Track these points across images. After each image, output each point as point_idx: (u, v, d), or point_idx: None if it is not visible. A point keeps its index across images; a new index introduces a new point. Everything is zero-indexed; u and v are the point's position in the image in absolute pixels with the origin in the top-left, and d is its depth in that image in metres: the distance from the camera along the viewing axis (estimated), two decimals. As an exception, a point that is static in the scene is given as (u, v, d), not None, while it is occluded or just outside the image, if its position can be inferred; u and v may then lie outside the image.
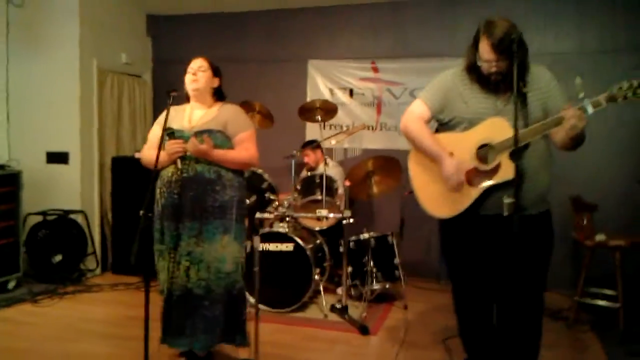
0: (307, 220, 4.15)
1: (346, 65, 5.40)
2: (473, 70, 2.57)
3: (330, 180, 4.19)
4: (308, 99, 5.32)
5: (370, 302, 4.24)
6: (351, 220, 4.04)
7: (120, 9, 5.53)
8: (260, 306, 4.07)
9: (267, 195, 4.26)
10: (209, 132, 3.00)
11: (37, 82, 4.98)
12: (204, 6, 5.62)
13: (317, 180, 4.12)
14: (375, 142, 5.37)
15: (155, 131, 3.06)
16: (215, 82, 3.17)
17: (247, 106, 4.46)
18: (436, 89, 2.68)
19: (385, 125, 5.35)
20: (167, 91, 2.93)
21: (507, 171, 2.47)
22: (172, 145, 2.94)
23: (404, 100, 5.21)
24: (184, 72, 3.15)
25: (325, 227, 4.20)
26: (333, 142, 4.46)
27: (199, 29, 5.86)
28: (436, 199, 2.67)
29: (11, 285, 4.55)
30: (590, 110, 2.36)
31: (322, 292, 4.17)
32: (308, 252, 4.05)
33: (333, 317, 4.03)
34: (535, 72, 2.57)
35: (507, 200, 2.43)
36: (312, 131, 5.32)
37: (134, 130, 5.67)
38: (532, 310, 2.71)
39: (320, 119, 4.25)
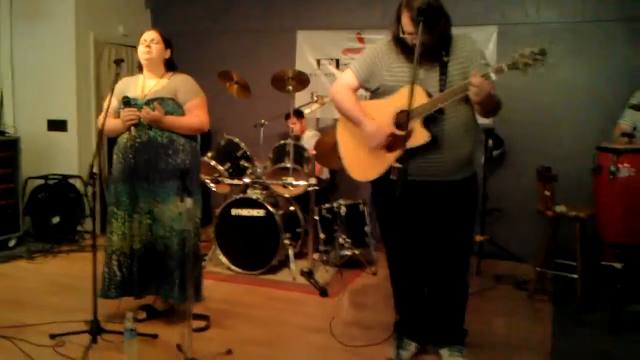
0: (276, 187, 4.30)
1: (333, 35, 5.48)
2: (398, 42, 2.66)
3: (300, 149, 4.33)
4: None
5: (342, 267, 4.39)
6: (316, 188, 4.19)
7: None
8: (233, 268, 4.37)
9: (241, 162, 4.42)
10: (160, 100, 3.21)
11: (39, 55, 5.26)
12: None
13: (288, 149, 4.25)
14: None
15: (111, 102, 3.24)
16: (167, 54, 3.36)
17: (224, 76, 4.62)
18: (364, 59, 2.79)
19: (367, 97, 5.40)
20: (115, 60, 3.13)
21: (419, 136, 2.58)
22: (126, 113, 3.16)
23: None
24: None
25: (294, 195, 4.33)
26: (307, 110, 4.61)
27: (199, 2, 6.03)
28: (359, 164, 2.81)
29: (11, 243, 4.90)
30: (493, 76, 2.44)
31: (291, 257, 4.34)
32: (277, 218, 4.22)
33: (301, 280, 4.20)
34: (459, 41, 2.67)
35: (396, 165, 2.54)
36: (301, 101, 5.44)
37: (133, 99, 5.91)
38: (457, 271, 2.88)
39: (291, 89, 4.36)
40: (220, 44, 5.90)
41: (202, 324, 3.32)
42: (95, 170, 2.94)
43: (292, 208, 4.59)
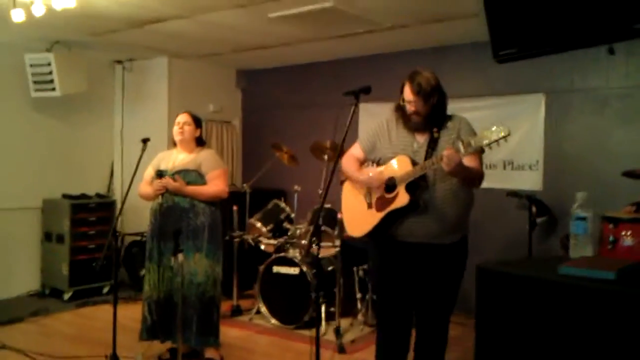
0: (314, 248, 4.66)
1: (384, 107, 5.79)
2: (398, 110, 3.01)
3: (333, 211, 4.67)
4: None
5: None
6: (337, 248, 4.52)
7: (211, 69, 6.65)
8: (273, 321, 4.75)
9: (284, 224, 4.87)
10: (184, 171, 3.80)
11: (140, 128, 6.23)
12: (285, 60, 6.40)
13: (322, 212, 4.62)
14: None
15: (149, 172, 3.92)
16: (197, 133, 3.96)
17: (276, 148, 5.16)
18: (369, 133, 3.16)
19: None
20: (143, 140, 3.79)
21: (401, 199, 2.86)
22: (156, 184, 3.78)
23: (440, 139, 5.45)
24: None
25: (327, 255, 4.65)
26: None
27: (281, 79, 6.74)
28: (353, 220, 3.15)
29: (105, 290, 5.76)
30: (461, 149, 2.65)
31: (322, 314, 4.63)
32: (309, 277, 4.57)
33: (330, 336, 4.45)
34: (454, 121, 2.98)
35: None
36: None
37: (221, 167, 6.70)
38: (438, 331, 3.06)
39: (326, 158, 4.77)
40: (296, 116, 6.52)
41: (212, 366, 3.75)
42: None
43: (330, 268, 4.90)
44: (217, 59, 6.35)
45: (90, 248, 5.75)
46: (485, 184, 4.87)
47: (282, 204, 4.95)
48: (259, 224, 4.87)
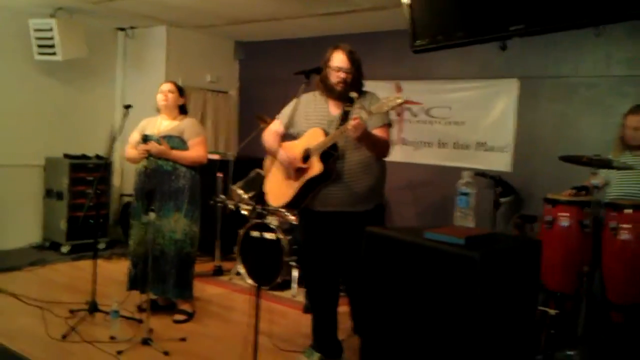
0: (288, 215, 4.98)
1: (375, 85, 6.00)
2: (322, 80, 3.26)
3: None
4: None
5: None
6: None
7: (210, 39, 6.89)
8: (249, 281, 5.10)
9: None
10: (169, 137, 4.09)
11: (139, 94, 6.51)
12: (282, 33, 6.60)
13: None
14: (394, 155, 5.89)
15: (134, 136, 4.23)
16: (181, 101, 4.24)
17: (260, 119, 5.43)
18: (288, 109, 3.41)
19: (405, 140, 5.85)
20: (124, 106, 4.10)
21: (315, 169, 3.13)
22: (141, 148, 4.09)
23: (421, 118, 5.70)
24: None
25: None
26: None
27: (278, 52, 6.96)
28: (273, 191, 3.43)
29: (101, 246, 6.13)
30: (364, 116, 2.91)
31: (294, 278, 4.95)
32: (283, 242, 4.88)
33: (301, 298, 4.78)
34: (366, 95, 3.26)
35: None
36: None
37: (216, 136, 7.00)
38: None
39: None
40: (291, 88, 6.73)
41: (183, 317, 4.12)
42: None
43: (305, 235, 5.21)
44: (215, 30, 6.59)
45: (87, 206, 6.11)
46: (458, 164, 5.21)
47: (264, 173, 5.23)
48: (240, 191, 5.18)
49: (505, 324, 2.23)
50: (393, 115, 5.90)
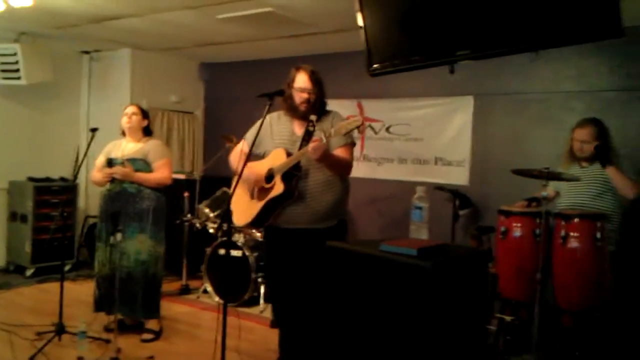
0: (254, 233, 5.07)
1: (338, 104, 6.17)
2: (286, 101, 3.35)
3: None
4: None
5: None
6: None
7: (174, 61, 6.99)
8: (217, 299, 5.15)
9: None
10: (132, 159, 4.16)
11: (104, 117, 6.55)
12: (246, 55, 6.75)
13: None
14: (358, 171, 6.06)
15: (100, 160, 4.29)
16: (144, 123, 4.32)
17: (226, 138, 5.53)
18: (254, 129, 3.48)
19: (367, 157, 6.02)
20: (91, 129, 4.16)
21: (277, 189, 3.22)
22: (105, 172, 4.15)
23: (382, 135, 5.88)
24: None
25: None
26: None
27: (242, 73, 7.08)
28: (238, 210, 3.50)
29: (67, 267, 6.11)
30: (324, 139, 3.00)
31: (262, 294, 5.03)
32: (250, 260, 4.97)
33: (268, 313, 4.86)
34: (330, 114, 3.37)
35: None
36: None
37: (182, 156, 7.06)
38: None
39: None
40: (254, 109, 6.85)
41: (150, 336, 4.16)
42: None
43: (272, 252, 5.30)
44: (180, 52, 6.70)
45: (53, 228, 6.10)
46: (417, 178, 5.38)
47: (230, 192, 5.32)
48: (207, 210, 5.26)
49: (457, 330, 2.37)
50: (355, 133, 6.08)
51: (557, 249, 3.60)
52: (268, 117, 3.44)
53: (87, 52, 6.82)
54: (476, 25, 2.62)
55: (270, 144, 3.40)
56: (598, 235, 3.49)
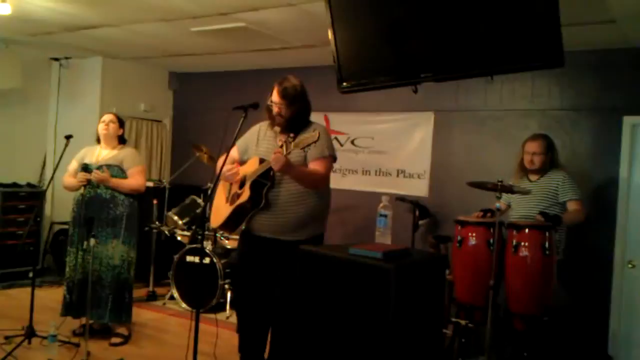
0: (222, 240, 5.22)
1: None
2: (267, 110, 3.46)
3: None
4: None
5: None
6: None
7: (144, 70, 7.09)
8: (184, 305, 5.26)
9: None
10: (108, 166, 4.26)
11: (73, 124, 6.59)
12: (216, 66, 6.88)
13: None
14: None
15: (73, 165, 4.38)
16: (120, 131, 4.44)
17: (196, 148, 5.67)
18: (244, 137, 3.63)
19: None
20: (65, 136, 4.25)
21: (245, 195, 3.34)
22: (80, 176, 4.23)
23: (347, 147, 6.10)
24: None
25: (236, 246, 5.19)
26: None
27: (212, 83, 7.22)
28: (215, 212, 3.64)
29: (30, 274, 6.10)
30: (284, 151, 3.11)
31: (228, 300, 5.17)
32: (218, 266, 5.10)
33: (234, 319, 4.97)
34: (311, 127, 3.42)
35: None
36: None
37: (150, 164, 7.14)
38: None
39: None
40: (221, 119, 6.99)
41: (119, 340, 4.26)
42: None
43: (239, 259, 5.45)
44: (150, 61, 6.80)
45: (19, 234, 6.10)
46: (380, 189, 5.61)
47: (199, 200, 5.47)
48: (175, 217, 5.38)
49: (417, 330, 2.58)
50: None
51: (509, 257, 3.85)
52: (258, 125, 3.60)
53: (56, 59, 6.86)
54: (438, 52, 2.89)
55: (254, 151, 3.51)
56: (547, 244, 3.76)
